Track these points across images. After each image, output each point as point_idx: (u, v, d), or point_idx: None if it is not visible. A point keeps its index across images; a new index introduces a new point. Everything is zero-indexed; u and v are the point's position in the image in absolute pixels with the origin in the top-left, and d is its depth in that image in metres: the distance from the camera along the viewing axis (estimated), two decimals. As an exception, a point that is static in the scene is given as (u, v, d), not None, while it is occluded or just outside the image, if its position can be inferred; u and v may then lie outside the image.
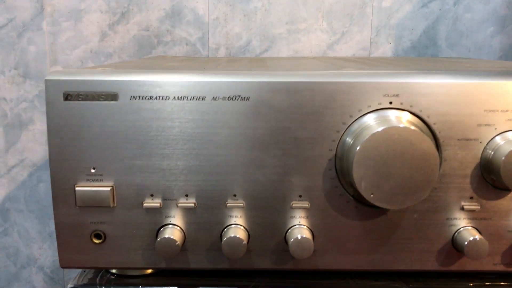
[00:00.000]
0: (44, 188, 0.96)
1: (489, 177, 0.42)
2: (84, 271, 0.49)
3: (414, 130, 0.39)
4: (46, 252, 1.00)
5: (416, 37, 0.91)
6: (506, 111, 0.41)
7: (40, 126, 0.93)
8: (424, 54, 0.91)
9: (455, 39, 0.91)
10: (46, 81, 0.41)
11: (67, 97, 0.41)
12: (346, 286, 0.46)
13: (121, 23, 0.91)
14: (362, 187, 0.40)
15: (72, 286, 0.47)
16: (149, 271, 0.48)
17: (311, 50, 0.92)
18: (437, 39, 0.91)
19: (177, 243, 0.41)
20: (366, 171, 0.39)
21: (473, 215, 0.43)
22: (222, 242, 0.42)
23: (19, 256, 1.01)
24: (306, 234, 0.42)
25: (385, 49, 0.92)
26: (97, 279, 0.47)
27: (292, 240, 0.41)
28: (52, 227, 0.98)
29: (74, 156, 0.42)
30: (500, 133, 0.41)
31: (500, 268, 0.44)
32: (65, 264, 0.44)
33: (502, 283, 0.46)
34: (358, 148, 0.39)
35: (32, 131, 0.94)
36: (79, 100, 0.41)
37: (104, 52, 0.91)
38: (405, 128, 0.39)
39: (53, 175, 0.42)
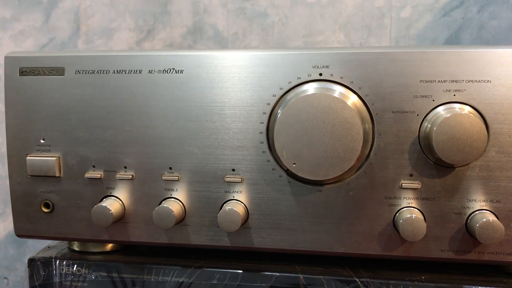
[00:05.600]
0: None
1: (429, 153, 0.39)
2: (49, 246, 0.52)
3: (334, 97, 0.38)
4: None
5: (438, 47, 0.88)
6: (444, 81, 0.39)
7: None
8: (447, 64, 0.88)
9: (481, 49, 0.86)
10: (6, 58, 0.45)
11: (22, 72, 0.44)
12: (293, 271, 0.44)
13: (147, 40, 0.97)
14: (284, 157, 0.39)
15: (30, 257, 0.49)
16: (109, 248, 0.49)
17: (329, 63, 0.91)
18: (460, 48, 0.87)
19: (110, 212, 0.42)
20: (287, 140, 0.38)
21: (414, 194, 0.40)
22: (153, 212, 0.42)
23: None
24: (239, 209, 0.41)
25: (406, 60, 0.89)
26: (56, 253, 0.49)
27: (220, 211, 0.41)
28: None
29: (27, 127, 0.45)
30: (438, 105, 0.39)
31: (449, 255, 0.40)
32: (19, 232, 0.47)
33: (462, 278, 0.42)
34: (278, 116, 0.39)
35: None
36: (32, 75, 0.44)
37: (131, 66, 0.97)
38: (325, 95, 0.38)
39: (8, 146, 0.45)
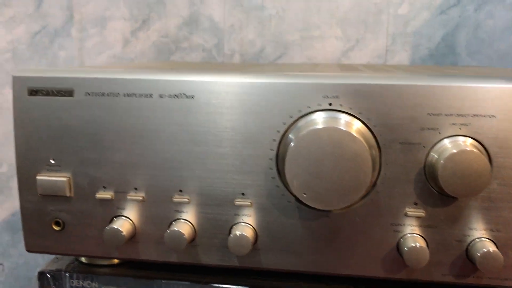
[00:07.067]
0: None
1: (434, 183, 0.40)
2: (57, 258, 0.53)
3: (344, 131, 0.39)
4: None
5: (434, 45, 0.89)
6: (451, 115, 0.40)
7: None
8: (443, 62, 0.89)
9: (476, 47, 0.87)
10: (14, 78, 0.45)
11: (31, 92, 0.44)
12: (297, 287, 0.46)
13: (142, 30, 0.95)
14: (295, 186, 0.40)
15: (40, 270, 0.50)
16: (116, 261, 0.51)
17: (325, 57, 0.92)
18: (456, 47, 0.88)
19: (122, 234, 0.43)
20: (298, 171, 0.39)
21: (418, 222, 0.42)
22: (165, 234, 0.43)
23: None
24: (247, 232, 0.43)
25: (401, 57, 0.90)
26: (65, 266, 0.50)
27: (231, 236, 0.42)
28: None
29: (36, 147, 0.45)
30: (444, 138, 0.40)
31: (449, 279, 0.42)
32: (30, 248, 0.48)
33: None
34: (290, 147, 0.39)
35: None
36: (41, 96, 0.44)
37: (126, 57, 0.96)
38: (335, 128, 0.39)
39: (18, 165, 0.46)
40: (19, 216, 1.06)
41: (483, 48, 0.87)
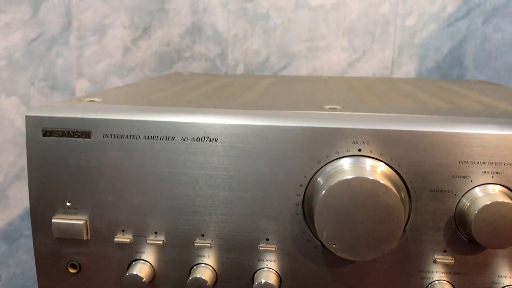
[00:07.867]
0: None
1: (464, 231, 0.40)
2: (69, 294, 0.51)
3: (377, 181, 0.37)
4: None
5: (441, 57, 0.88)
6: (483, 163, 0.39)
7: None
8: (449, 75, 0.88)
9: (483, 60, 0.87)
10: (27, 117, 0.43)
11: (45, 133, 0.43)
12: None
13: (143, 38, 0.93)
14: (324, 237, 0.39)
15: (54, 309, 0.48)
16: (131, 299, 0.49)
17: (331, 68, 0.90)
18: (463, 59, 0.87)
19: (143, 280, 0.42)
20: (328, 221, 0.38)
21: (447, 269, 0.41)
22: (187, 281, 0.42)
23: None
24: (272, 278, 0.42)
25: (408, 69, 0.89)
26: (79, 304, 0.49)
27: (256, 283, 0.41)
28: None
29: (51, 189, 0.43)
30: (476, 186, 0.39)
31: (477, 325, 0.42)
32: (44, 290, 0.46)
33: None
34: (320, 197, 0.38)
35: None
36: (56, 137, 0.43)
37: (126, 66, 0.94)
38: (367, 179, 0.38)
39: (32, 207, 0.44)
40: (16, 225, 1.04)
41: (491, 61, 0.86)
